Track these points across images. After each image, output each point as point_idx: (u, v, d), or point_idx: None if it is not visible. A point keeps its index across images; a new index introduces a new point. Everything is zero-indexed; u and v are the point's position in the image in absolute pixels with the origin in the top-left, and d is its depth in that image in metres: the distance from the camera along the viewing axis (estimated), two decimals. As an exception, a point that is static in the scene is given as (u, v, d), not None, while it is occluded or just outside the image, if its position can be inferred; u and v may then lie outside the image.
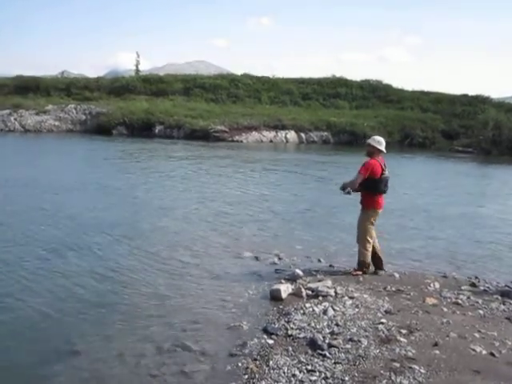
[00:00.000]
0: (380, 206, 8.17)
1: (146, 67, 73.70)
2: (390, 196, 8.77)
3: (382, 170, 8.12)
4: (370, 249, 8.18)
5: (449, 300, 7.10)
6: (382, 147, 8.31)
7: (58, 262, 8.38)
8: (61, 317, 6.34)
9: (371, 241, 8.15)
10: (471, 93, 45.39)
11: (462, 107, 40.85)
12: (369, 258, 8.22)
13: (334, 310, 6.55)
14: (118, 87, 45.80)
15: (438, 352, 5.39)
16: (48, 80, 48.02)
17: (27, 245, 9.25)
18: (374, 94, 45.96)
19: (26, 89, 43.86)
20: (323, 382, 4.82)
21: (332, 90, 45.90)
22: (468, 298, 7.23)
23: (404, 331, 5.90)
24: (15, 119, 36.67)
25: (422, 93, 46.52)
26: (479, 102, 42.80)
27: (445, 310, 6.71)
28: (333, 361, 5.21)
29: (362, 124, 35.83)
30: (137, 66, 55.74)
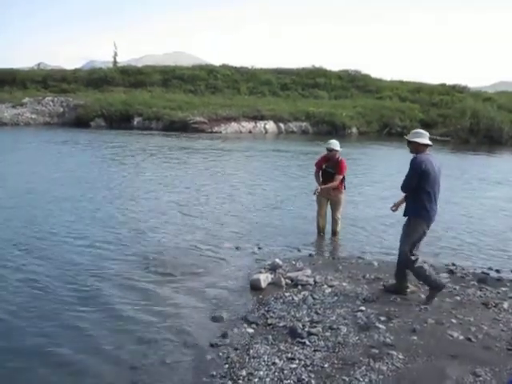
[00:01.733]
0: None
1: (123, 58, 73.32)
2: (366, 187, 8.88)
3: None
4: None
5: (427, 287, 7.16)
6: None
7: (30, 256, 8.33)
8: (38, 311, 6.29)
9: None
10: (449, 82, 45.90)
11: (439, 96, 41.20)
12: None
13: (313, 298, 6.60)
14: (95, 79, 45.54)
15: (416, 338, 5.47)
16: (24, 72, 47.62)
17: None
18: (353, 83, 46.22)
19: (2, 81, 43.47)
20: (303, 369, 4.86)
21: (311, 81, 46.08)
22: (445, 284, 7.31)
23: (383, 318, 5.97)
24: (-9, 113, 36.23)
25: (401, 82, 46.89)
26: (457, 91, 43.24)
27: (423, 296, 6.77)
28: (312, 348, 5.27)
29: (341, 114, 35.96)
30: (114, 57, 55.38)
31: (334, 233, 9.85)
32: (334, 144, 9.53)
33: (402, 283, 6.86)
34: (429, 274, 6.58)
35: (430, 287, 6.64)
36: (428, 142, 6.66)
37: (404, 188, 6.70)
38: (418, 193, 6.47)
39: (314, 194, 9.59)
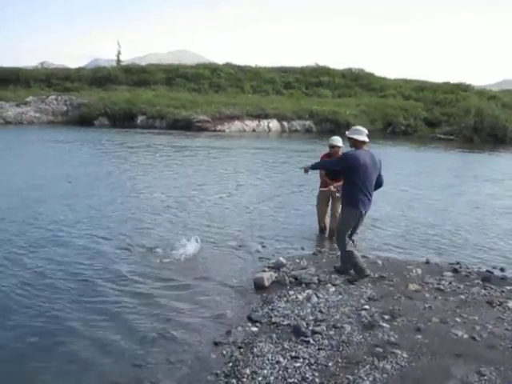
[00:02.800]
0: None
1: (127, 57, 73.24)
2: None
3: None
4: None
5: (431, 286, 7.15)
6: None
7: (32, 253, 8.35)
8: (42, 308, 6.29)
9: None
10: (453, 81, 45.77)
11: (443, 95, 41.04)
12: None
13: (317, 297, 6.58)
14: (99, 77, 45.55)
15: (420, 337, 5.45)
16: (28, 71, 47.60)
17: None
18: (357, 82, 46.10)
19: (6, 80, 43.43)
20: (307, 368, 4.85)
21: (314, 79, 46.00)
22: (450, 283, 7.29)
23: (387, 317, 5.95)
24: (-5, 111, 36.26)
25: (405, 81, 46.75)
26: (461, 89, 43.05)
27: (427, 295, 6.77)
28: (316, 347, 5.25)
29: (345, 112, 35.89)
30: (118, 55, 55.40)
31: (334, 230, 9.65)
32: (337, 140, 9.41)
33: (346, 265, 7.45)
34: (356, 260, 7.25)
35: (355, 271, 7.30)
36: (365, 138, 7.30)
37: (323, 166, 8.80)
38: (349, 185, 7.22)
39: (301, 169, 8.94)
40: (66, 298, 6.64)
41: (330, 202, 9.84)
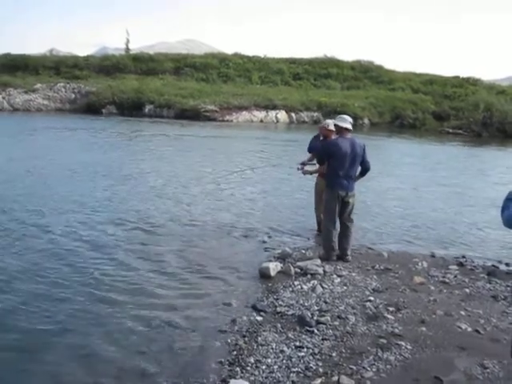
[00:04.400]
0: None
1: (136, 45, 73.18)
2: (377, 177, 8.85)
3: None
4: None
5: (436, 279, 7.16)
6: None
7: (44, 241, 8.38)
8: (48, 296, 6.32)
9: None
10: (462, 75, 45.52)
11: (453, 89, 40.88)
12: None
13: (322, 287, 6.60)
14: (107, 66, 45.52)
15: (424, 329, 5.46)
16: (37, 58, 47.62)
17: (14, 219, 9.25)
18: (366, 74, 45.91)
19: (15, 67, 43.49)
20: (311, 357, 4.87)
21: (323, 71, 45.83)
22: (455, 276, 7.29)
23: (391, 309, 5.96)
24: (3, 98, 36.38)
25: (414, 74, 46.53)
26: (470, 83, 42.87)
27: (432, 288, 6.78)
28: (321, 337, 5.27)
29: (353, 104, 35.77)
30: (127, 44, 55.30)
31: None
32: (327, 123, 8.82)
33: (328, 251, 7.80)
34: (331, 241, 7.74)
35: (324, 250, 7.85)
36: (348, 126, 7.60)
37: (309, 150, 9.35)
38: (329, 169, 7.72)
39: (298, 169, 9.25)
40: (69, 286, 6.66)
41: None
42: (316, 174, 9.19)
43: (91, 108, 35.53)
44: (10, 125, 27.59)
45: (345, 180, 7.59)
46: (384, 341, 5.17)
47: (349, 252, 7.85)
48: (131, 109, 35.25)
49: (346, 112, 34.14)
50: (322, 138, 9.06)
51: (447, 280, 7.11)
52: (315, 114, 35.91)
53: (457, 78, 44.75)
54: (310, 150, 9.38)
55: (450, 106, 37.32)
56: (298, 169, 9.28)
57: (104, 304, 6.13)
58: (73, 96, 37.90)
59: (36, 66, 44.80)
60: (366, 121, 35.68)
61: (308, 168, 9.26)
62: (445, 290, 6.69)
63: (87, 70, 44.98)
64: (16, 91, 37.06)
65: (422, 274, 7.26)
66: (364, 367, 4.68)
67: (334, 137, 8.19)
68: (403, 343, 5.11)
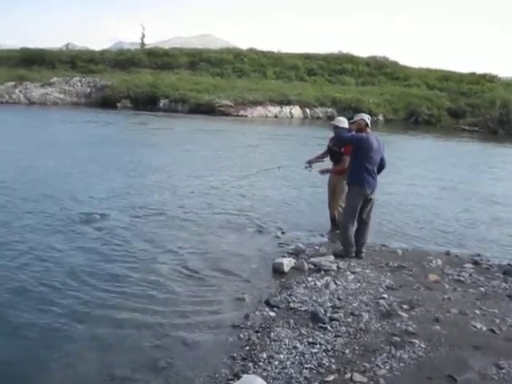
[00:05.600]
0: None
1: (151, 40, 73.34)
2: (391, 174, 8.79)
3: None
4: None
5: (451, 277, 7.11)
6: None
7: (62, 237, 8.43)
8: (62, 288, 6.37)
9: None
10: (479, 71, 45.10)
11: (469, 85, 40.48)
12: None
13: (335, 284, 6.58)
14: (123, 60, 45.64)
15: (438, 327, 5.43)
16: (53, 53, 47.88)
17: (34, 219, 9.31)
18: (381, 70, 45.58)
19: (32, 61, 43.81)
20: (324, 354, 4.86)
21: (338, 66, 45.55)
22: (470, 275, 7.24)
23: (405, 306, 5.93)
24: (20, 91, 36.57)
25: (429, 70, 46.15)
26: (487, 80, 42.43)
27: (446, 286, 6.73)
28: (334, 334, 5.26)
29: (368, 100, 35.56)
30: (142, 39, 55.35)
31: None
32: (338, 121, 8.83)
33: (347, 247, 7.75)
34: (350, 237, 7.70)
35: (343, 246, 7.81)
36: (368, 122, 7.63)
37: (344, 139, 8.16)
38: (356, 165, 7.60)
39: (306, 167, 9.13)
40: (84, 280, 6.69)
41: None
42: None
43: (106, 102, 35.62)
44: (27, 117, 27.84)
45: (371, 177, 7.56)
46: (397, 339, 5.14)
47: (364, 249, 7.81)
48: (146, 103, 35.31)
49: (361, 108, 34.11)
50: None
51: (462, 278, 7.05)
52: (329, 110, 35.72)
53: (473, 74, 44.29)
54: (340, 138, 8.32)
55: (466, 102, 36.93)
56: (306, 167, 9.17)
57: (118, 297, 6.17)
58: (88, 90, 38.02)
59: (52, 60, 45.04)
60: (381, 117, 35.45)
61: (318, 167, 9.20)
62: (459, 289, 6.64)
63: (103, 64, 45.13)
64: (32, 85, 37.28)
65: (436, 272, 7.21)
66: (377, 365, 4.67)
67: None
68: (417, 341, 5.08)
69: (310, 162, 9.20)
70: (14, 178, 12.27)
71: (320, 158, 9.37)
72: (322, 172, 9.10)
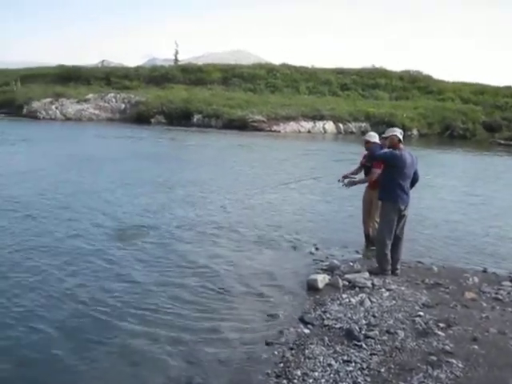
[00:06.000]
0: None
1: (184, 56, 74.19)
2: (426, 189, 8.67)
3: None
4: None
5: (488, 295, 6.97)
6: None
7: (93, 251, 8.54)
8: (95, 301, 6.45)
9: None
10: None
11: (504, 99, 39.95)
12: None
13: (370, 301, 6.51)
14: (157, 76, 46.38)
15: (476, 347, 5.31)
16: (88, 69, 48.92)
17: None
18: (414, 84, 45.34)
19: (68, 78, 44.90)
20: (359, 372, 4.80)
21: (371, 81, 45.50)
22: (508, 293, 7.08)
23: (442, 325, 5.83)
24: (56, 108, 37.43)
25: (464, 84, 45.70)
26: (524, 94, 41.80)
27: (484, 304, 6.60)
28: (369, 352, 5.19)
29: (401, 115, 35.34)
30: (176, 55, 56.17)
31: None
32: (370, 136, 9.00)
33: (383, 264, 7.63)
34: (387, 254, 7.58)
35: (379, 263, 7.68)
36: (400, 137, 7.53)
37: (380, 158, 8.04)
38: (390, 181, 7.55)
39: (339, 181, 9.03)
40: (117, 291, 6.80)
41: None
42: (365, 185, 9.13)
43: (140, 118, 36.15)
44: (64, 133, 28.40)
45: (404, 193, 7.51)
46: (434, 358, 5.05)
47: (399, 265, 7.73)
48: (180, 118, 35.75)
49: (394, 123, 33.88)
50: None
51: (500, 297, 6.91)
52: (363, 125, 35.60)
53: (509, 87, 43.71)
54: (374, 156, 8.48)
55: (502, 116, 36.48)
56: (339, 181, 9.08)
57: (151, 312, 6.20)
58: (123, 106, 38.64)
59: (88, 77, 46.04)
60: (415, 132, 35.20)
61: (354, 179, 9.12)
62: (498, 307, 6.51)
63: (137, 80, 45.91)
64: (68, 101, 38.13)
65: (473, 290, 7.08)
66: (413, 384, 4.59)
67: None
68: (454, 361, 4.98)
69: (346, 177, 9.14)
70: (52, 191, 12.60)
71: (354, 174, 9.30)
72: (348, 185, 8.96)
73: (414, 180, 7.70)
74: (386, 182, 7.60)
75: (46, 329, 5.67)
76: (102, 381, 4.78)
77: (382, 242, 7.61)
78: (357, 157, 10.01)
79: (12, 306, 6.22)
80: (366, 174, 9.10)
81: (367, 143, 8.92)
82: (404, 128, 34.63)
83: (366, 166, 9.00)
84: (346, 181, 9.00)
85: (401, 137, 7.52)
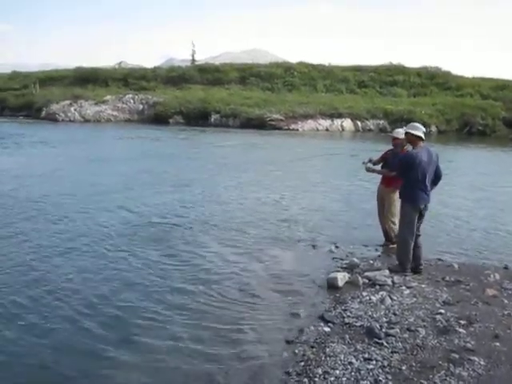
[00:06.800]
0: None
1: (201, 56, 74.45)
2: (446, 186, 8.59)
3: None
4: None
5: (510, 292, 6.90)
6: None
7: (126, 247, 8.62)
8: (119, 300, 6.52)
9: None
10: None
11: (525, 94, 39.41)
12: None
13: (391, 299, 6.50)
14: (174, 77, 46.53)
15: (498, 344, 5.28)
16: (106, 71, 49.24)
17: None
18: (432, 81, 44.89)
19: (86, 80, 45.26)
20: (380, 370, 4.79)
21: (389, 78, 45.12)
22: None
23: (463, 322, 5.80)
24: (75, 109, 37.77)
25: (483, 79, 45.15)
26: (545, 88, 41.21)
27: (506, 301, 6.55)
28: (390, 350, 5.18)
29: (420, 112, 35.08)
30: (193, 55, 56.40)
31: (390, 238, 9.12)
32: (397, 133, 8.94)
33: (405, 263, 7.56)
34: (409, 253, 7.51)
35: (400, 262, 7.61)
36: (420, 134, 7.44)
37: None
38: (408, 182, 7.48)
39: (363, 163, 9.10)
40: (137, 289, 6.90)
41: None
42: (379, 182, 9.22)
43: (158, 118, 36.36)
44: (84, 134, 28.65)
45: (423, 192, 7.40)
46: (456, 355, 5.03)
47: (421, 262, 7.70)
48: (197, 118, 35.90)
49: (413, 119, 33.60)
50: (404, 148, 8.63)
51: (522, 293, 6.86)
52: (381, 122, 35.45)
53: (529, 82, 43.15)
54: (392, 169, 8.39)
55: (523, 111, 36.02)
56: (364, 162, 9.11)
57: (172, 311, 6.24)
58: (141, 107, 38.87)
59: (106, 79, 46.36)
60: (434, 128, 34.90)
61: (373, 166, 9.17)
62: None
63: (154, 81, 46.12)
64: (87, 103, 38.46)
65: (494, 287, 7.02)
66: (435, 382, 4.58)
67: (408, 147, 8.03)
68: (476, 358, 4.96)
69: (371, 161, 9.20)
70: (73, 191, 12.79)
71: (376, 164, 9.31)
72: (368, 169, 9.02)
73: (437, 176, 7.59)
74: (405, 181, 7.53)
75: (86, 328, 5.78)
76: (123, 379, 4.82)
77: (404, 243, 7.55)
78: (375, 153, 9.94)
79: (56, 307, 6.33)
80: (382, 167, 9.15)
81: (394, 139, 8.92)
82: (423, 124, 34.39)
83: (387, 160, 9.07)
84: (369, 165, 9.07)
85: (420, 133, 7.39)
